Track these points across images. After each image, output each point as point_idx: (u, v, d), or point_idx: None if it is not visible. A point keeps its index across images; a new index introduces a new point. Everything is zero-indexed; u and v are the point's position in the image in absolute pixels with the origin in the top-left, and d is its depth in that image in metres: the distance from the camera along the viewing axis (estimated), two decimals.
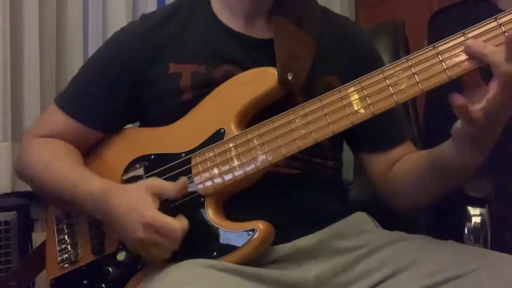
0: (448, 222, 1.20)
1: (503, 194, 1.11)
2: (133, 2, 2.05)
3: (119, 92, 1.04)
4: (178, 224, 0.86)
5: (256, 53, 1.01)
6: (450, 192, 0.97)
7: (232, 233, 0.88)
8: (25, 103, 1.81)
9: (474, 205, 1.09)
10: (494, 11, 0.80)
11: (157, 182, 0.92)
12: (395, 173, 1.03)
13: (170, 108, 1.00)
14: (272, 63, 0.95)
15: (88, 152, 1.08)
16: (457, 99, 0.77)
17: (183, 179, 0.91)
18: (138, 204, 0.88)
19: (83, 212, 1.00)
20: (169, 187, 0.90)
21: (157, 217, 0.86)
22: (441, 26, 1.45)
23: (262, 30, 1.03)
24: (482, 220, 1.07)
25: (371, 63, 1.03)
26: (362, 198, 1.36)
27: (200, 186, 0.92)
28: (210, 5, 1.06)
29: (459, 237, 1.08)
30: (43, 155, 1.04)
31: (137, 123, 1.13)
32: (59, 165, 1.02)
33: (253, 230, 0.87)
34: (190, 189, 0.92)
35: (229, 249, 0.87)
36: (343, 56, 1.05)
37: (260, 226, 0.87)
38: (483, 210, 1.08)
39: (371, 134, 1.03)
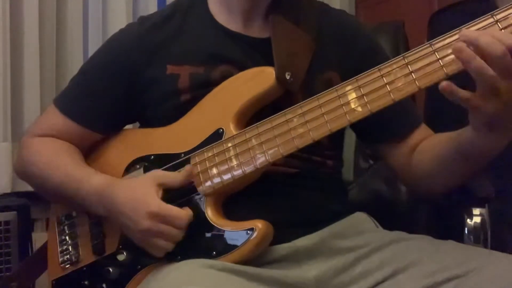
0: (448, 222, 1.20)
1: (503, 194, 1.11)
2: (133, 2, 2.05)
3: (117, 94, 1.05)
4: (184, 212, 0.88)
5: (254, 53, 1.01)
6: (477, 173, 0.96)
7: (231, 232, 0.88)
8: (25, 103, 1.81)
9: (474, 205, 1.09)
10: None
11: (160, 173, 0.93)
12: (418, 159, 1.02)
13: (169, 109, 1.01)
14: (270, 63, 0.95)
15: (88, 154, 1.08)
16: (441, 84, 0.77)
17: (187, 167, 0.92)
18: (142, 194, 0.90)
19: (85, 208, 1.00)
20: (173, 175, 0.92)
21: (162, 206, 0.88)
22: (441, 26, 1.45)
23: (260, 30, 1.03)
24: (482, 220, 1.07)
25: (372, 55, 1.04)
26: (362, 198, 1.36)
27: (199, 186, 0.92)
28: (207, 6, 1.06)
29: (459, 237, 1.07)
30: (45, 152, 1.05)
31: (137, 124, 1.14)
32: (62, 162, 1.02)
33: (251, 230, 0.87)
34: (189, 189, 0.92)
35: (228, 248, 0.87)
36: (342, 51, 1.05)
37: (259, 225, 0.87)
38: (483, 210, 1.07)
39: (386, 124, 1.02)
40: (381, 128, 1.04)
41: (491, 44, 0.73)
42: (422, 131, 1.06)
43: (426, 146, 1.02)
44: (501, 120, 0.80)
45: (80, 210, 1.04)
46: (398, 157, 1.05)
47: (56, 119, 1.07)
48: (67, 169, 1.01)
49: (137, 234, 0.90)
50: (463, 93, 0.78)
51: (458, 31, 0.79)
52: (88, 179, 0.98)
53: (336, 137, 1.03)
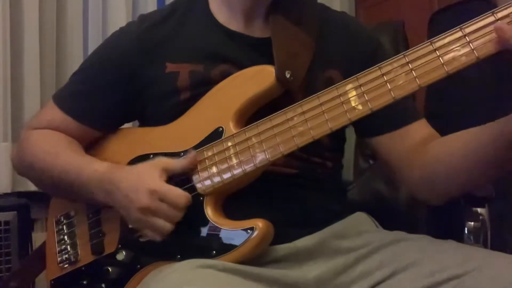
0: (448, 222, 1.20)
1: (503, 194, 1.11)
2: (133, 1, 2.05)
3: (116, 92, 1.04)
4: (184, 193, 0.89)
5: (254, 52, 1.00)
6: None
7: (231, 231, 0.88)
8: (25, 103, 1.82)
9: (474, 205, 1.09)
10: None
11: (163, 159, 0.94)
12: (436, 154, 0.94)
13: (169, 108, 1.00)
14: (271, 62, 0.95)
15: (88, 152, 1.08)
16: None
17: (191, 152, 0.92)
18: (143, 175, 0.90)
19: (84, 196, 0.99)
20: (176, 161, 0.92)
21: (162, 185, 0.89)
22: (441, 26, 1.44)
23: (260, 29, 1.03)
24: (482, 220, 1.07)
25: (372, 53, 1.03)
26: (362, 198, 1.36)
27: (199, 185, 0.92)
28: (208, 4, 1.06)
29: (459, 237, 1.07)
30: (46, 143, 1.05)
31: (136, 122, 1.13)
32: (61, 150, 1.02)
33: (252, 229, 0.87)
34: (189, 188, 0.92)
35: (228, 248, 0.87)
36: (343, 50, 1.05)
37: (259, 224, 0.87)
38: (483, 210, 1.07)
39: (384, 115, 0.91)
40: (379, 119, 0.98)
41: None
42: (424, 127, 1.02)
43: (450, 139, 0.94)
44: None
45: (78, 201, 1.04)
46: (398, 152, 1.01)
47: (54, 115, 1.07)
48: (68, 156, 1.01)
49: (135, 213, 0.89)
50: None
51: (458, 29, 0.79)
52: (90, 164, 0.98)
53: (337, 138, 1.03)
